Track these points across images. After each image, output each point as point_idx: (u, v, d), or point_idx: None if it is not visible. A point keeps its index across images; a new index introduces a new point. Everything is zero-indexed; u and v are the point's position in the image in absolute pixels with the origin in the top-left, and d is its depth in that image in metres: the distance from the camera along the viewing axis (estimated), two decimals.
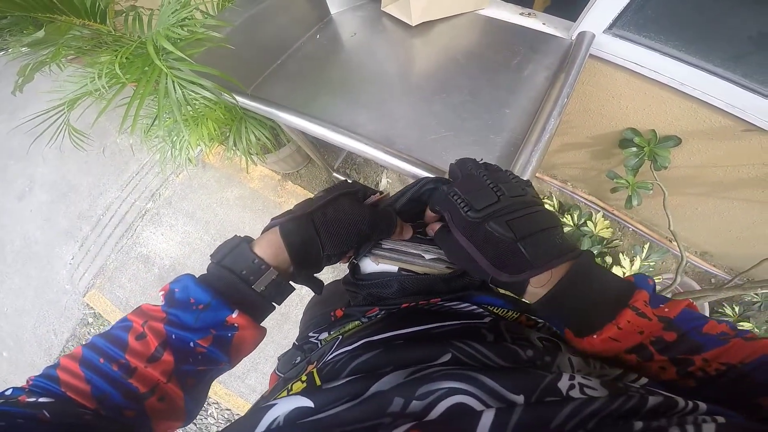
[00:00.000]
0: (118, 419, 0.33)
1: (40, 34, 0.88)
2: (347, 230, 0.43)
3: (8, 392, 0.32)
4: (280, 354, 0.57)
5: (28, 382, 0.34)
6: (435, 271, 0.50)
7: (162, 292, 0.40)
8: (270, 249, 0.41)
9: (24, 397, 0.31)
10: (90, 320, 2.18)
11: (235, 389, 1.87)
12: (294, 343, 0.59)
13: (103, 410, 0.33)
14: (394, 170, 0.83)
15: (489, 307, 0.46)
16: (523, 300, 0.39)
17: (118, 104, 0.94)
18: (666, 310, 0.33)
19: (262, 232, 0.44)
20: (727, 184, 1.29)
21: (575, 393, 0.26)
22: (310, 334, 0.55)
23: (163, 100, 0.83)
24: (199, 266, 2.15)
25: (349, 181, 0.51)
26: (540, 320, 0.47)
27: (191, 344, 0.37)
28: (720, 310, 1.62)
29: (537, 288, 0.36)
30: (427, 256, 0.50)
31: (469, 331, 0.40)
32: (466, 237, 0.38)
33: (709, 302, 1.59)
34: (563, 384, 0.27)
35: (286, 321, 1.91)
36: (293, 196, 2.24)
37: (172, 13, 0.87)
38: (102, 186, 2.57)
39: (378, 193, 0.51)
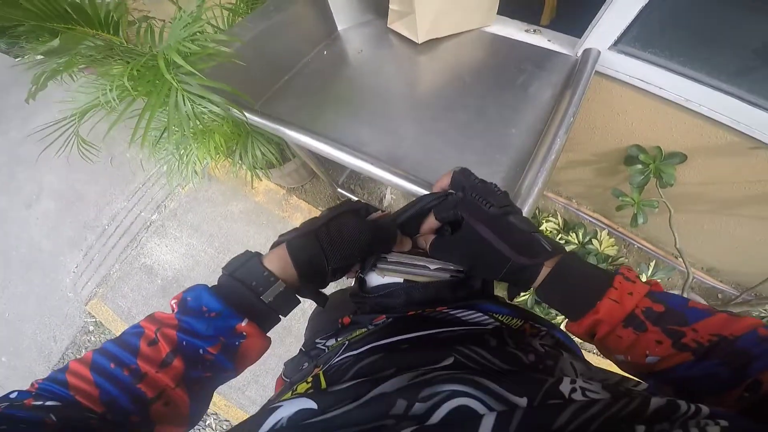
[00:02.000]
0: (124, 424, 0.34)
1: (55, 43, 0.90)
2: (350, 244, 0.46)
3: (13, 395, 0.33)
4: (285, 361, 0.58)
5: (33, 385, 0.34)
6: (438, 280, 0.52)
7: (174, 301, 0.42)
8: (278, 263, 0.44)
9: (30, 400, 0.32)
10: (91, 328, 2.18)
11: (235, 401, 1.86)
12: (301, 350, 0.60)
13: (110, 415, 0.33)
14: (398, 189, 0.84)
15: (494, 315, 0.47)
16: (532, 286, 0.44)
17: (129, 116, 0.96)
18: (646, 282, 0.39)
19: (270, 248, 0.47)
20: (735, 201, 1.28)
21: (577, 396, 0.27)
22: (317, 340, 0.57)
23: (173, 114, 0.84)
24: (203, 279, 2.13)
25: (353, 199, 0.54)
26: (543, 328, 0.48)
27: (201, 351, 0.39)
28: None
29: (543, 270, 0.42)
30: (432, 266, 0.52)
31: (472, 336, 0.42)
32: (488, 228, 0.44)
33: None
34: (565, 387, 0.27)
35: (288, 335, 1.90)
36: (297, 210, 2.25)
37: (183, 27, 0.89)
38: (108, 196, 2.60)
39: (380, 211, 0.54)
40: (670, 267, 1.58)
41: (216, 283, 0.44)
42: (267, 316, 0.44)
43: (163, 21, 1.16)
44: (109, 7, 1.01)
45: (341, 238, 0.46)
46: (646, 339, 0.35)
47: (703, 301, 1.62)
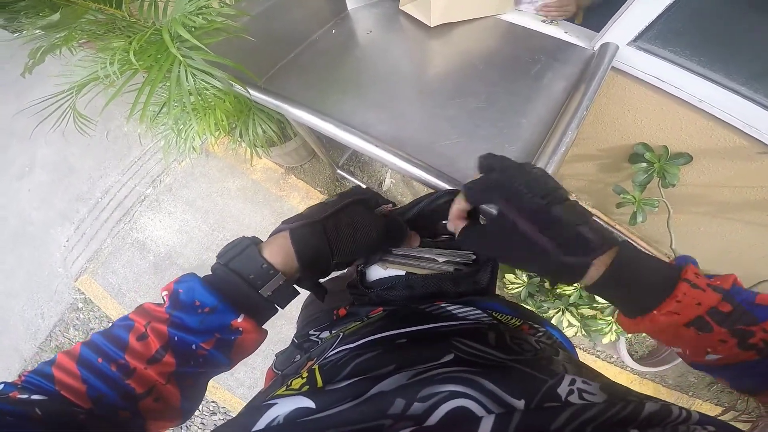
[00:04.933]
0: (112, 419, 0.33)
1: (56, 17, 0.86)
2: (359, 239, 0.44)
3: None
4: (275, 350, 0.57)
5: (20, 377, 0.33)
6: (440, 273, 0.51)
7: (165, 292, 0.39)
8: (280, 254, 0.41)
9: (16, 393, 0.31)
10: (80, 305, 2.14)
11: (223, 383, 1.87)
12: (293, 341, 0.59)
13: (98, 410, 0.32)
14: (402, 173, 0.82)
15: (493, 314, 0.47)
16: (578, 284, 0.39)
17: (127, 90, 0.93)
18: (718, 282, 0.34)
19: (271, 235, 0.44)
20: (734, 205, 1.29)
21: (574, 398, 0.27)
22: (311, 332, 0.55)
23: (174, 88, 0.81)
24: (196, 256, 2.13)
25: (362, 186, 0.53)
26: (541, 328, 0.47)
27: (193, 347, 0.37)
28: None
29: (595, 269, 0.37)
30: (441, 260, 0.50)
31: (470, 331, 0.41)
32: (529, 221, 0.38)
33: None
34: (563, 389, 0.27)
35: (280, 317, 1.86)
36: (295, 190, 2.21)
37: (189, 0, 0.85)
38: (103, 169, 2.54)
39: (391, 204, 0.53)
40: None
41: (209, 272, 0.41)
42: (264, 310, 0.42)
43: None
44: None
45: (352, 234, 0.43)
46: (710, 339, 0.34)
47: None
